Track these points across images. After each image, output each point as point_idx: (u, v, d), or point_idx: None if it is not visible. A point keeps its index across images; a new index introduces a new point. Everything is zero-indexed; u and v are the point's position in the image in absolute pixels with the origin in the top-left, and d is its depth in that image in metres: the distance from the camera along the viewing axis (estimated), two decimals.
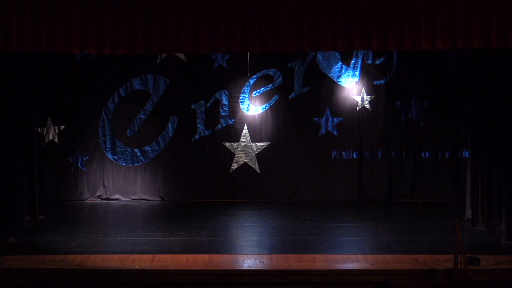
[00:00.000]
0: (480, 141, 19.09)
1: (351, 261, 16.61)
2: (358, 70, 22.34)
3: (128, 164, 22.38)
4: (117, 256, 17.04)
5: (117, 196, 21.99)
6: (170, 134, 22.63)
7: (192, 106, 22.53)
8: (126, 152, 22.52)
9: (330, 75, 22.40)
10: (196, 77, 22.30)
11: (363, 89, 22.38)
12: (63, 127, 22.37)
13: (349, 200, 22.22)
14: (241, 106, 22.56)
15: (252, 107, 22.57)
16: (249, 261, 16.61)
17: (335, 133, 22.56)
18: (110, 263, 16.65)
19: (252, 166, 22.34)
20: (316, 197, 21.81)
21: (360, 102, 22.42)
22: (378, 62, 22.32)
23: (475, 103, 19.22)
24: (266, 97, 22.55)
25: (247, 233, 19.39)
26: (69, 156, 22.51)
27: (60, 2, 15.86)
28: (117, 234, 18.84)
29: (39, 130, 21.92)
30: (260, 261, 16.57)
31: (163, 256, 16.96)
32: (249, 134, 22.59)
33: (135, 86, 22.45)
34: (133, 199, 22.10)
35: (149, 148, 22.64)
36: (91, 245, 17.93)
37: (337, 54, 22.16)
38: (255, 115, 22.61)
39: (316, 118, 22.51)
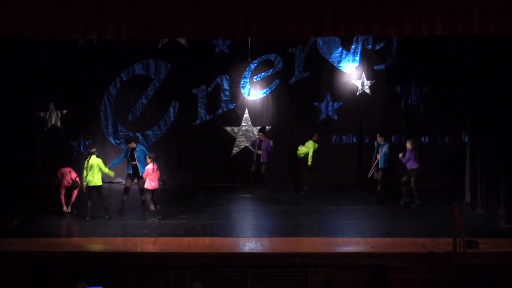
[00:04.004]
0: (479, 126, 19.13)
1: (351, 244, 16.62)
2: (358, 55, 22.35)
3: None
4: (119, 239, 17.07)
5: (119, 179, 21.97)
6: (172, 119, 22.67)
7: (194, 90, 22.56)
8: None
9: (330, 60, 22.43)
10: (198, 62, 22.32)
11: (363, 74, 22.41)
12: (65, 111, 22.40)
13: (349, 184, 22.25)
14: (242, 91, 22.59)
15: (253, 92, 22.60)
16: (250, 244, 16.61)
17: (336, 117, 22.59)
18: (112, 246, 16.69)
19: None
20: (316, 181, 21.79)
21: (360, 87, 22.45)
22: (378, 48, 22.34)
23: (474, 89, 19.23)
24: (266, 82, 22.58)
25: (248, 216, 19.42)
26: (72, 140, 22.57)
27: None
28: (119, 217, 18.88)
29: (41, 115, 21.96)
30: (261, 244, 16.57)
31: (164, 239, 16.98)
32: (250, 118, 22.63)
33: (137, 71, 22.48)
34: (135, 182, 22.15)
35: (150, 132, 22.68)
36: (93, 228, 17.97)
37: (337, 39, 22.17)
38: (256, 100, 22.65)
39: (316, 103, 22.55)
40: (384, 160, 20.45)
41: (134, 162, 19.16)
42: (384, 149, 20.37)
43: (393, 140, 22.21)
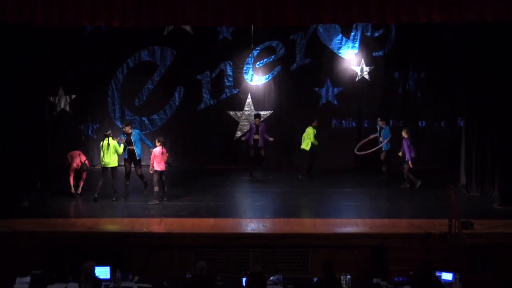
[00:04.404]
0: (474, 111, 19.14)
1: (350, 225, 16.68)
2: (357, 42, 22.33)
3: None
4: (126, 220, 17.16)
5: None
6: (177, 103, 22.70)
7: (198, 76, 22.58)
8: (135, 121, 22.57)
9: (330, 46, 22.42)
10: (202, 48, 22.31)
11: (363, 60, 22.40)
12: (74, 96, 22.42)
13: (349, 167, 22.26)
14: (245, 77, 22.60)
15: (256, 78, 22.61)
16: (252, 225, 16.66)
17: (335, 102, 22.59)
18: (119, 226, 16.78)
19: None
20: (316, 164, 21.79)
21: (359, 73, 22.44)
22: (377, 35, 22.32)
23: (471, 75, 19.22)
24: (269, 68, 22.59)
25: (250, 198, 19.47)
26: (80, 124, 22.61)
27: None
28: (126, 199, 18.91)
29: (51, 99, 21.98)
30: (263, 225, 16.63)
31: (170, 220, 17.05)
32: (253, 103, 22.65)
33: (143, 57, 22.50)
34: (142, 165, 22.18)
35: (156, 117, 22.72)
36: (101, 209, 18.02)
37: (337, 26, 22.14)
38: (258, 85, 22.67)
39: (317, 88, 22.56)
40: (387, 143, 20.53)
41: (131, 147, 19.01)
42: (387, 135, 20.46)
43: (391, 124, 22.17)
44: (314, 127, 20.96)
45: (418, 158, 20.29)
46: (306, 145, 21.02)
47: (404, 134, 19.85)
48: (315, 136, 20.94)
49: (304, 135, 21.05)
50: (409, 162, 19.68)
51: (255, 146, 21.37)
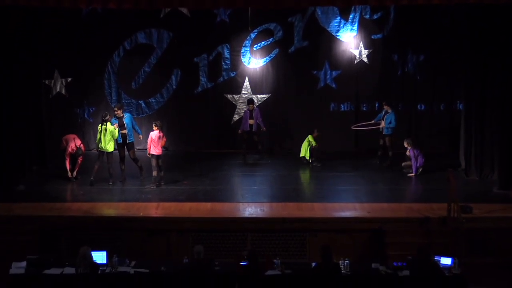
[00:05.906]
0: (473, 94, 19.05)
1: (348, 209, 16.62)
2: (356, 25, 22.20)
3: (133, 115, 22.30)
4: (123, 204, 17.11)
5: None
6: (174, 87, 22.59)
7: (195, 59, 22.46)
8: (131, 104, 22.51)
9: (329, 29, 22.28)
10: (199, 31, 22.17)
11: (361, 43, 22.26)
12: (70, 79, 22.31)
13: (347, 151, 22.19)
14: (243, 59, 22.48)
15: (253, 60, 22.49)
16: (250, 209, 16.62)
17: (334, 85, 22.48)
18: (116, 210, 16.73)
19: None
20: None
21: (358, 56, 22.32)
22: (375, 17, 22.17)
23: (470, 57, 19.13)
24: (266, 50, 22.46)
25: (248, 182, 19.37)
26: (76, 107, 22.51)
27: None
28: (122, 182, 18.85)
29: (46, 82, 21.86)
30: (260, 209, 16.58)
31: (167, 204, 17.01)
32: (250, 86, 22.55)
33: (140, 40, 22.36)
34: (138, 149, 22.06)
35: (153, 100, 22.62)
36: (97, 193, 17.96)
37: (335, 9, 21.99)
38: (256, 68, 22.55)
39: (315, 71, 22.44)
40: (391, 128, 20.46)
41: (123, 131, 18.89)
42: (390, 119, 20.36)
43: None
44: (315, 138, 20.83)
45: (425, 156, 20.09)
46: (305, 152, 20.87)
47: (405, 144, 19.73)
48: (312, 150, 20.79)
49: (304, 143, 20.90)
50: (412, 174, 19.58)
51: (250, 131, 21.28)
